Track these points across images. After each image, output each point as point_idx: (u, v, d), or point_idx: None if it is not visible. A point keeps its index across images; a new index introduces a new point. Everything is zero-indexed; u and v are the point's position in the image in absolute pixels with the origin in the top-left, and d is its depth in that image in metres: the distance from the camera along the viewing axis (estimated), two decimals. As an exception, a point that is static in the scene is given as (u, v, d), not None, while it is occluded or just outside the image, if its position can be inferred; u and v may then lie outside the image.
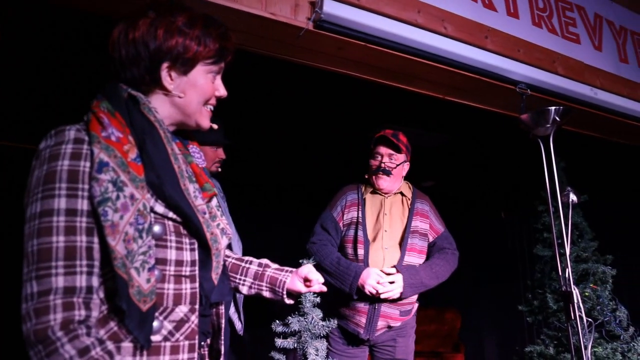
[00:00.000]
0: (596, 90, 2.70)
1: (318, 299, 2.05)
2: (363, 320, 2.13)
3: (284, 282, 1.25)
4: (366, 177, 2.29)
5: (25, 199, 0.79)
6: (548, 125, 2.06)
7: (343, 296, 2.14)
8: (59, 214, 0.75)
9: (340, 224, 2.24)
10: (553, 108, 2.03)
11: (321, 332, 1.99)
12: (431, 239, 2.30)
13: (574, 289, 1.95)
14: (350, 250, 2.20)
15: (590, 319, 2.74)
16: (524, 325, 4.81)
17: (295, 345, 1.97)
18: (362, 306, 2.13)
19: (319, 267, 2.00)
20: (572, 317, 1.93)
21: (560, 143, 2.27)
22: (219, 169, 2.48)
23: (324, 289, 1.34)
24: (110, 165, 0.78)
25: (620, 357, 2.71)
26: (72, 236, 0.75)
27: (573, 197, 2.11)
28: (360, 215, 2.19)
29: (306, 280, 1.28)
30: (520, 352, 3.13)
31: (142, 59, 0.88)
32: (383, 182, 2.20)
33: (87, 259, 0.76)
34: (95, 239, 0.78)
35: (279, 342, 2.00)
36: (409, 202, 2.27)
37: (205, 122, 1.00)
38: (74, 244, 0.75)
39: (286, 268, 1.30)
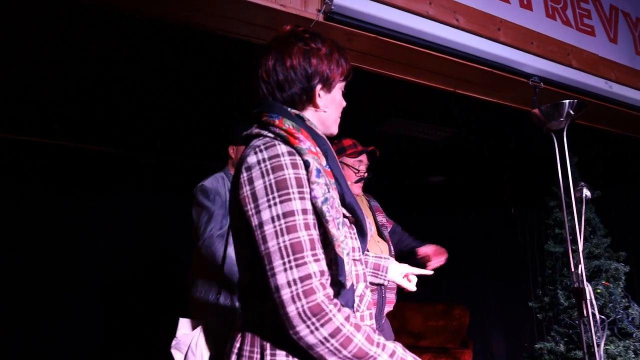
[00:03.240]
0: (611, 83, 2.65)
1: None
2: (373, 311, 2.11)
3: (387, 267, 1.59)
4: (350, 183, 2.32)
5: (250, 205, 0.92)
6: (562, 119, 2.02)
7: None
8: (298, 214, 0.91)
9: None
10: (567, 101, 1.99)
11: None
12: (389, 228, 2.38)
13: (587, 286, 1.92)
14: None
15: (602, 316, 2.70)
16: (533, 322, 4.78)
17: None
18: (374, 297, 2.11)
19: None
20: (585, 314, 1.90)
21: (573, 137, 2.23)
22: None
23: (413, 289, 1.60)
24: (321, 171, 0.96)
25: (633, 355, 2.67)
26: (309, 231, 0.91)
27: (587, 192, 2.07)
28: None
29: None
30: (529, 349, 3.10)
31: (300, 81, 1.06)
32: (360, 189, 2.28)
33: (320, 248, 0.93)
34: (318, 231, 0.95)
35: None
36: (367, 200, 2.35)
37: (336, 130, 1.18)
38: (312, 237, 0.91)
39: (383, 256, 1.64)
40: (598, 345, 1.99)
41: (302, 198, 0.92)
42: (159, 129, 3.85)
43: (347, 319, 0.89)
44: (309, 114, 1.10)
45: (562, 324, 3.00)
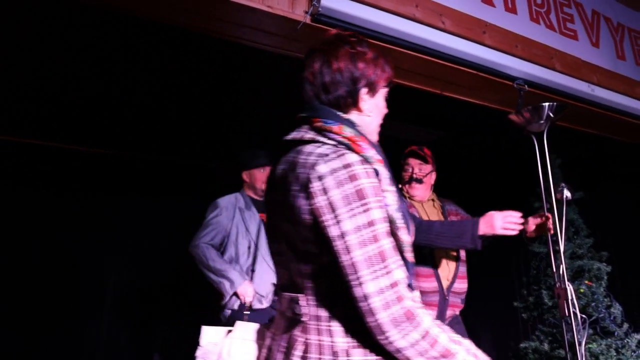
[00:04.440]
0: (593, 86, 2.70)
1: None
2: (434, 314, 2.08)
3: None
4: (400, 186, 2.34)
5: (327, 215, 0.91)
6: (542, 122, 2.05)
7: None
8: (379, 222, 0.92)
9: None
10: (547, 104, 2.02)
11: None
12: None
13: (568, 286, 1.95)
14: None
15: (584, 316, 2.75)
16: (518, 321, 4.83)
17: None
18: (433, 299, 2.08)
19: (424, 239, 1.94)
20: (567, 314, 1.93)
21: (556, 139, 2.27)
22: None
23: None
24: (390, 179, 1.00)
25: (615, 353, 2.72)
26: (389, 239, 0.93)
27: (567, 193, 2.10)
28: None
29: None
30: (515, 348, 3.14)
31: (346, 84, 1.06)
32: (416, 190, 2.27)
33: (398, 254, 0.95)
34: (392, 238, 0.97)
35: None
36: (440, 206, 2.35)
37: (377, 138, 1.17)
38: (392, 245, 0.93)
39: None
40: (580, 344, 2.03)
41: (379, 207, 0.93)
42: (155, 130, 3.84)
43: (432, 321, 0.93)
44: (353, 117, 1.09)
45: (546, 324, 3.05)
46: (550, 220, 1.91)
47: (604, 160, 4.26)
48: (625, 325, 2.88)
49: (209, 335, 1.37)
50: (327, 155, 0.94)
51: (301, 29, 1.90)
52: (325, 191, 0.91)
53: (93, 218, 4.35)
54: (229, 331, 1.36)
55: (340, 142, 0.98)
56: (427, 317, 0.92)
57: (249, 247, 2.65)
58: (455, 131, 4.02)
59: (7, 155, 3.85)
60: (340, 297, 0.94)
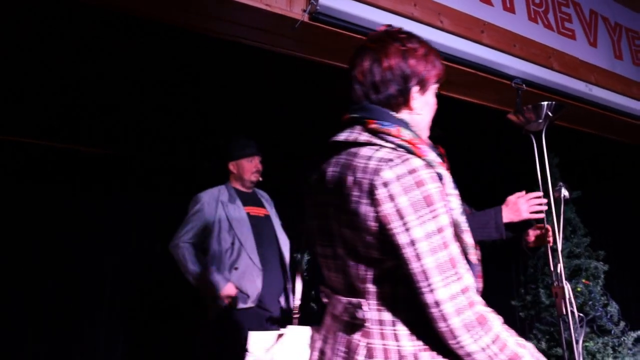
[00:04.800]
0: (591, 86, 2.71)
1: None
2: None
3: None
4: None
5: (396, 223, 0.90)
6: (540, 121, 2.06)
7: None
8: (447, 228, 0.92)
9: None
10: (545, 103, 2.02)
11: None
12: None
13: (566, 284, 1.96)
14: None
15: (582, 314, 2.76)
16: (516, 320, 4.84)
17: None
18: None
19: None
20: (564, 312, 1.94)
21: (554, 139, 2.27)
22: (260, 179, 2.64)
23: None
24: (452, 181, 0.99)
25: (611, 352, 2.73)
26: (456, 243, 0.94)
27: (565, 192, 2.11)
28: None
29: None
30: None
31: (397, 82, 1.04)
32: None
33: (464, 258, 0.96)
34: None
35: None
36: None
37: (427, 135, 1.16)
38: (459, 249, 0.94)
39: None
40: (577, 343, 2.04)
41: (445, 212, 0.92)
42: (155, 129, 3.83)
43: (502, 325, 0.94)
44: (405, 117, 1.07)
45: (543, 322, 3.06)
46: (550, 232, 1.89)
47: (602, 160, 4.27)
48: (622, 324, 2.89)
49: (258, 340, 1.32)
50: (391, 160, 0.92)
51: (299, 28, 1.89)
52: (392, 198, 0.90)
53: (93, 218, 4.34)
54: (280, 335, 1.30)
55: (399, 145, 0.97)
56: (497, 322, 0.92)
57: (233, 243, 2.49)
58: (453, 130, 4.01)
59: (5, 155, 3.83)
60: (403, 301, 0.96)
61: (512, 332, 0.97)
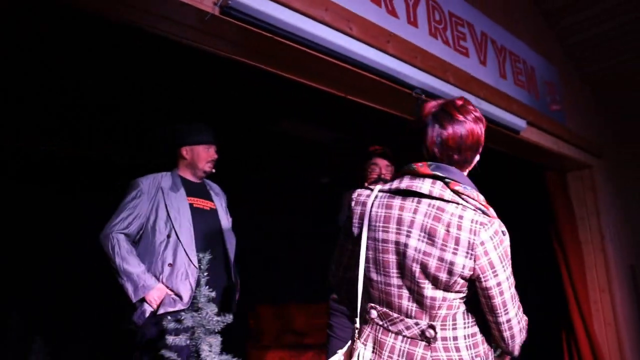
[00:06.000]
0: (480, 100, 2.97)
1: (213, 294, 1.98)
2: None
3: None
4: (366, 184, 2.36)
5: (489, 271, 1.22)
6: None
7: None
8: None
9: None
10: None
11: (215, 328, 1.93)
12: None
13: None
14: None
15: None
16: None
17: (188, 342, 1.89)
18: None
19: None
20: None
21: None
22: (213, 170, 2.46)
23: None
24: None
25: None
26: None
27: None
28: None
29: None
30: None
31: (475, 149, 1.32)
32: None
33: None
34: None
35: (170, 339, 1.90)
36: None
37: None
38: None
39: None
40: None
41: None
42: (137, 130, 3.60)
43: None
44: (465, 174, 1.33)
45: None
46: None
47: (483, 168, 4.68)
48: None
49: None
50: (485, 224, 1.21)
51: (209, 21, 1.83)
52: (486, 253, 1.20)
53: (93, 218, 4.05)
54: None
55: (478, 209, 1.24)
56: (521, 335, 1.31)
57: (169, 236, 2.22)
58: (356, 134, 4.16)
59: (6, 157, 3.74)
60: (462, 322, 1.25)
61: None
